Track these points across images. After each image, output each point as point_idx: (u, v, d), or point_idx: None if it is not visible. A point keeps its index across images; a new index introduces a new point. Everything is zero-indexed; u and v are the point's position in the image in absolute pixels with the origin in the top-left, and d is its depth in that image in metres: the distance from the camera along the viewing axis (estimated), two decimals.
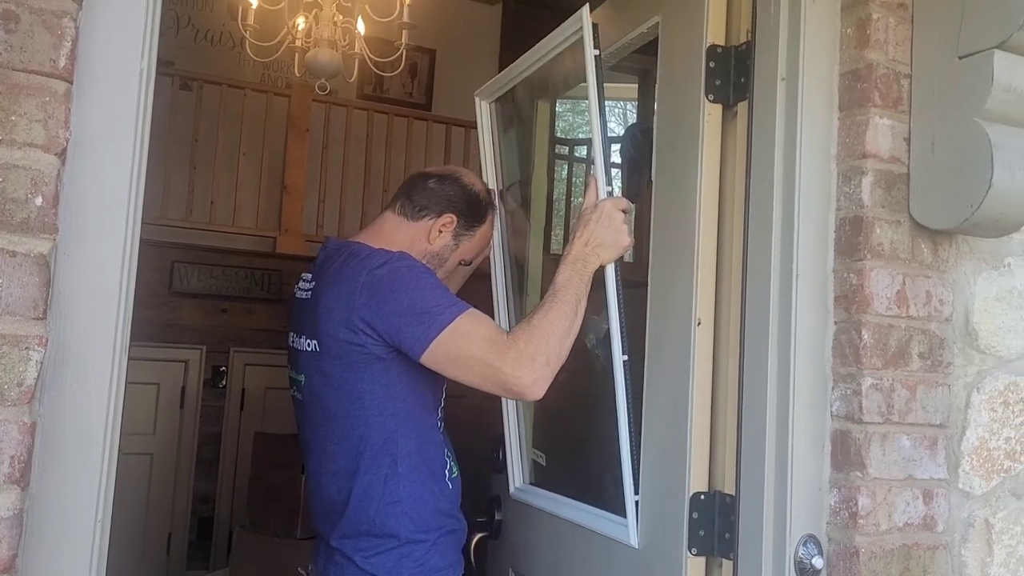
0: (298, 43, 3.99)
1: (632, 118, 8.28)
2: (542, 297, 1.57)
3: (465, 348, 1.48)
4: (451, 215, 1.73)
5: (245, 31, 3.78)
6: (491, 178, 2.11)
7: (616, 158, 6.45)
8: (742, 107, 1.49)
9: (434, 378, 1.60)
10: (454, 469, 1.71)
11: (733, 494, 1.42)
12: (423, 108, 6.16)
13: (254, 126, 5.08)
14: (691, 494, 1.47)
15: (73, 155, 0.94)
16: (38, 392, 0.91)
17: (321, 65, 3.77)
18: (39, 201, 0.90)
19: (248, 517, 3.41)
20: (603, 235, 1.55)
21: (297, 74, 4.20)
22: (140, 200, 1.00)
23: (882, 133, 1.34)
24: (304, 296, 1.69)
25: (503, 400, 1.99)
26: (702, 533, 1.46)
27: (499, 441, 2.07)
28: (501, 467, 2.07)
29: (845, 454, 1.31)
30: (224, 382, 5.05)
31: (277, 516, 3.25)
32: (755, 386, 1.38)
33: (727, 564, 1.42)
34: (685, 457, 1.49)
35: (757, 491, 1.35)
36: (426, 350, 1.49)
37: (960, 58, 1.30)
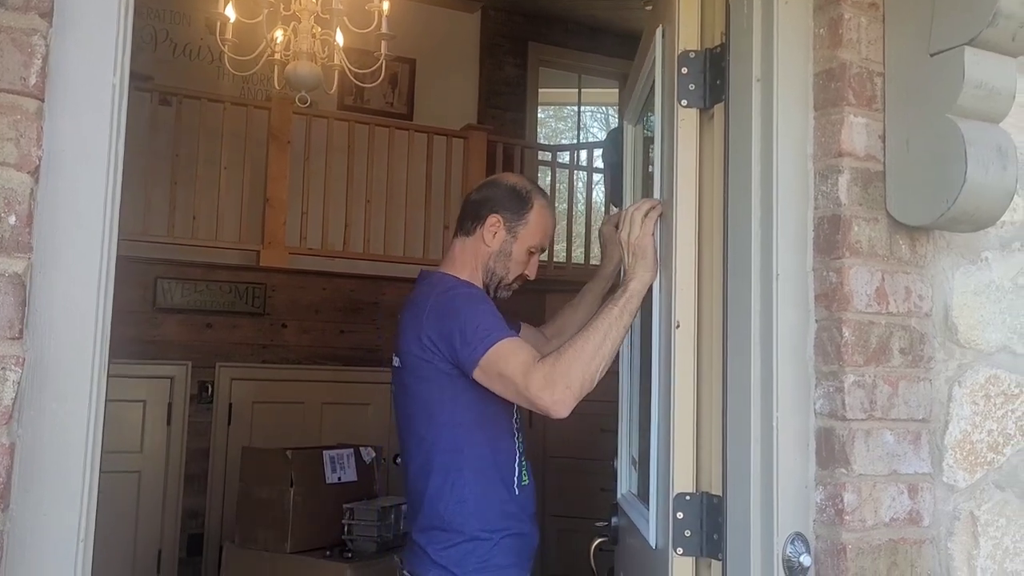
0: (277, 56, 3.97)
1: (613, 123, 8.32)
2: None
3: (504, 368, 1.66)
4: (495, 215, 1.91)
5: (223, 45, 3.77)
6: (628, 201, 2.17)
7: (598, 162, 6.46)
8: (718, 109, 1.50)
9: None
10: (524, 478, 1.89)
11: (720, 495, 1.43)
12: (404, 118, 6.15)
13: (235, 140, 5.06)
14: (675, 494, 1.48)
15: (46, 173, 0.93)
16: (16, 412, 0.91)
17: (301, 78, 3.76)
18: (12, 220, 0.89)
19: (238, 532, 3.38)
20: (636, 253, 1.66)
21: (277, 87, 4.19)
22: (116, 216, 1.00)
23: (857, 131, 1.35)
24: (399, 326, 1.91)
25: (618, 411, 2.09)
26: (688, 533, 1.46)
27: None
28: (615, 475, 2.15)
29: (830, 451, 1.31)
30: (211, 397, 5.03)
31: (267, 530, 3.23)
32: (738, 387, 1.39)
33: (716, 564, 1.42)
34: (669, 458, 1.50)
35: (744, 491, 1.35)
36: (475, 367, 1.69)
37: (931, 55, 1.31)
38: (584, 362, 1.61)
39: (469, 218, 1.94)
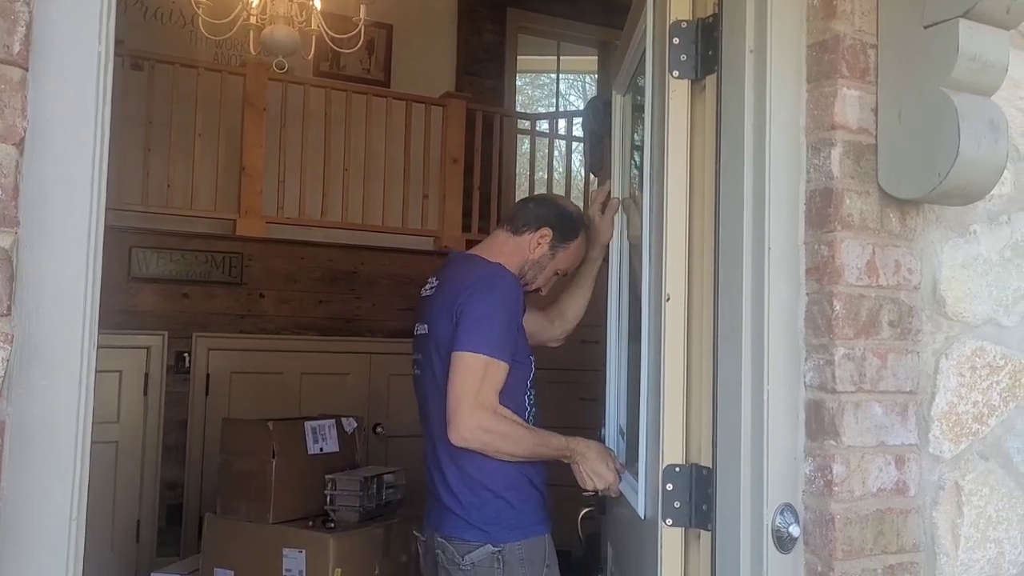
0: (253, 20, 3.89)
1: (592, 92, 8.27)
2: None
3: (470, 375, 1.85)
4: (547, 228, 2.08)
5: (198, 8, 3.68)
6: (616, 178, 2.20)
7: (577, 131, 6.42)
8: (710, 80, 1.49)
9: (519, 366, 1.94)
10: None
11: (709, 466, 1.44)
12: (381, 84, 6.07)
13: (209, 106, 4.96)
14: (664, 466, 1.49)
15: (32, 144, 0.91)
16: (5, 390, 0.89)
17: (278, 42, 3.69)
18: None
19: (219, 503, 3.36)
20: (594, 460, 1.90)
21: (253, 52, 4.11)
22: (103, 188, 0.97)
23: (850, 104, 1.35)
24: (428, 293, 2.09)
25: (605, 378, 2.17)
26: (677, 505, 1.47)
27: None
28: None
29: (819, 423, 1.32)
30: (188, 367, 4.98)
31: (249, 501, 3.21)
32: (729, 360, 1.39)
33: (705, 535, 1.44)
34: (658, 430, 1.51)
35: (734, 463, 1.36)
36: (454, 351, 1.87)
37: (925, 27, 1.30)
38: (506, 443, 1.87)
39: (522, 220, 2.10)
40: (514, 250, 2.08)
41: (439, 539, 1.96)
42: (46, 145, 0.92)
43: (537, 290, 2.14)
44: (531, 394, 2.03)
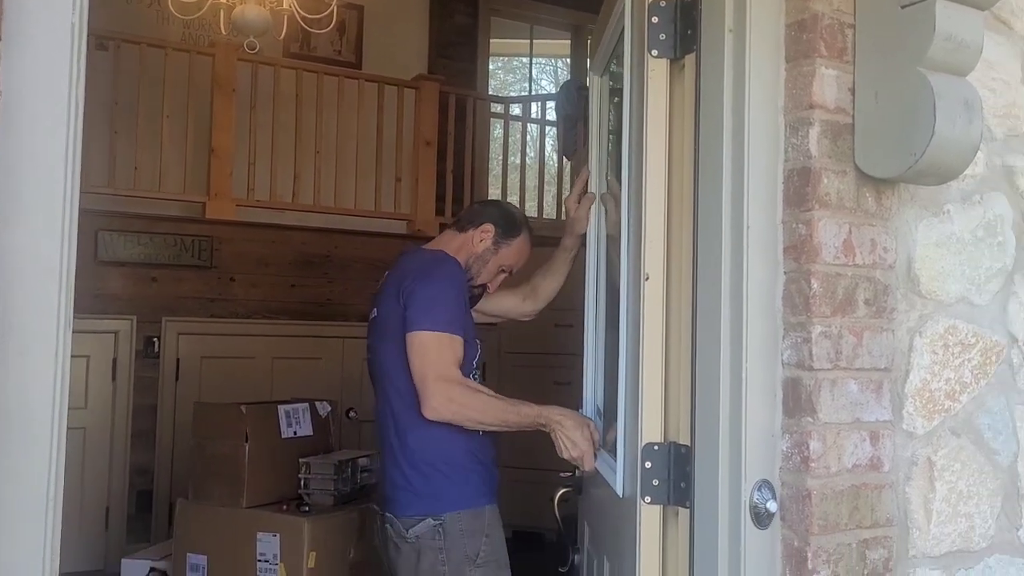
0: None
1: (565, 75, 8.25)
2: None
3: (427, 352, 1.96)
4: (490, 224, 2.23)
5: None
6: (593, 159, 2.23)
7: (550, 115, 6.40)
8: (690, 60, 1.49)
9: (468, 345, 2.03)
10: None
11: (688, 444, 1.45)
12: (352, 66, 6.01)
13: (177, 87, 4.89)
14: (643, 444, 1.50)
15: (5, 116, 0.88)
16: None
17: (249, 22, 3.64)
18: None
19: (192, 488, 3.33)
20: (571, 428, 1.92)
21: (223, 32, 4.05)
22: (78, 162, 0.95)
23: (828, 84, 1.35)
24: (380, 285, 2.21)
25: (583, 360, 2.20)
26: (656, 483, 1.48)
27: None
28: None
29: (796, 401, 1.34)
30: (157, 352, 4.92)
31: (222, 486, 3.19)
32: (708, 339, 1.40)
33: (684, 512, 1.45)
34: (637, 409, 1.51)
35: (712, 440, 1.38)
36: (408, 332, 1.98)
37: (903, 7, 1.31)
38: (475, 412, 1.97)
39: (468, 219, 2.26)
40: (459, 245, 2.21)
41: (388, 516, 2.09)
42: (20, 117, 0.90)
43: (483, 286, 2.26)
44: (476, 374, 2.13)
